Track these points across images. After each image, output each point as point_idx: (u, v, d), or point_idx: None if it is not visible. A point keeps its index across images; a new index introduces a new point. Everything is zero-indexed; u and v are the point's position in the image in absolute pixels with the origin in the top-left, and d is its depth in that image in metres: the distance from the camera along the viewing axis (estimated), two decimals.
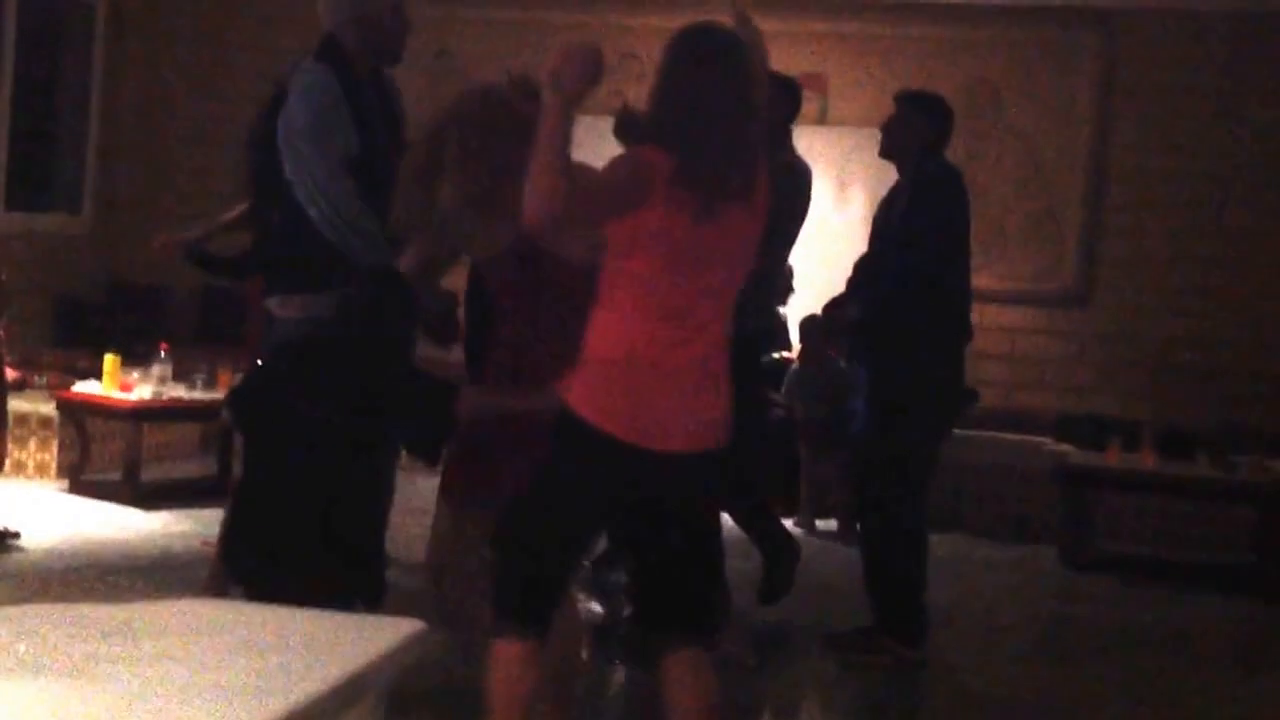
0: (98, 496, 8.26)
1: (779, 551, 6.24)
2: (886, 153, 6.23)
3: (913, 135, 6.10)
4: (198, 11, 11.39)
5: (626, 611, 5.91)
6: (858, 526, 6.75)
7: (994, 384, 9.73)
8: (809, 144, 6.75)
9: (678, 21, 11.29)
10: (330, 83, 5.01)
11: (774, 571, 6.24)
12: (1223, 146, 10.07)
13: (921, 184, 6.03)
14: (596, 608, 5.87)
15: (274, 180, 5.07)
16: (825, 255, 8.72)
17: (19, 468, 8.70)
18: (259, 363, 5.05)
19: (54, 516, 7.70)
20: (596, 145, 4.97)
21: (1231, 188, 10.07)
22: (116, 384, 8.35)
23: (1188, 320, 10.10)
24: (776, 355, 8.87)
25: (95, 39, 11.03)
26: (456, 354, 4.97)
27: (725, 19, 4.03)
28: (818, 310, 8.80)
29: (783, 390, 9.00)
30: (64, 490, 8.47)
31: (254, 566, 4.33)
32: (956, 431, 6.68)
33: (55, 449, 8.79)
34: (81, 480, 8.49)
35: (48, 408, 8.71)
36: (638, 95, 5.75)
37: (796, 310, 9.12)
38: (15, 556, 6.85)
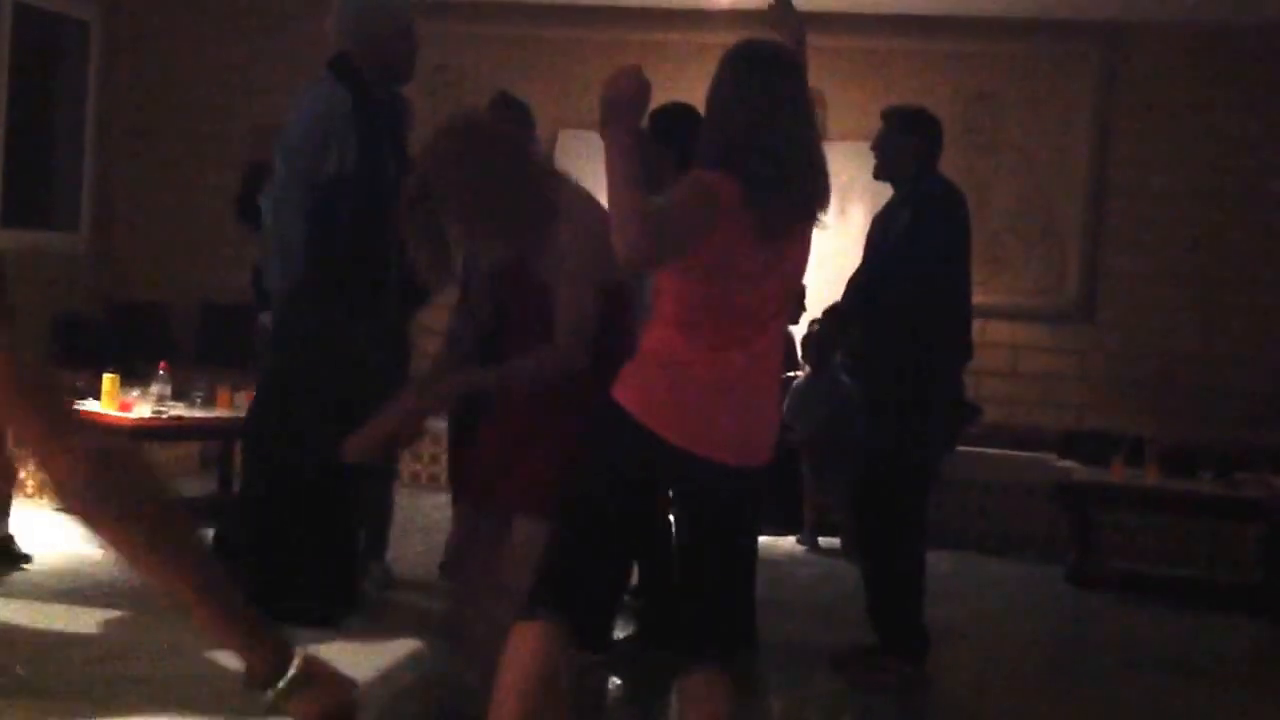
0: None
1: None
2: (880, 173, 6.21)
3: (903, 152, 6.10)
4: (190, 31, 11.40)
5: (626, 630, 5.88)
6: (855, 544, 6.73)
7: (997, 401, 9.71)
8: None
9: (674, 36, 11.34)
10: (334, 96, 5.03)
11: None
12: (1224, 160, 10.07)
13: (922, 202, 6.01)
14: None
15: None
16: (827, 272, 8.67)
17: (18, 487, 8.66)
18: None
19: (54, 536, 7.66)
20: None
21: (1232, 202, 10.08)
22: (115, 403, 8.30)
23: (1191, 336, 10.10)
24: (789, 374, 8.86)
25: (90, 58, 11.04)
26: None
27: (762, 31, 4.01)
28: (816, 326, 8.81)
29: (784, 407, 8.96)
30: (63, 509, 8.42)
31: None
32: (960, 448, 6.67)
33: None
34: None
35: None
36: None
37: (797, 328, 9.10)
38: (16, 576, 6.83)
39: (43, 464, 1.93)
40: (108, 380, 8.35)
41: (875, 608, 6.14)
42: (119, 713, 4.84)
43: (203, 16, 11.38)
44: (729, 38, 11.65)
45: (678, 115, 5.80)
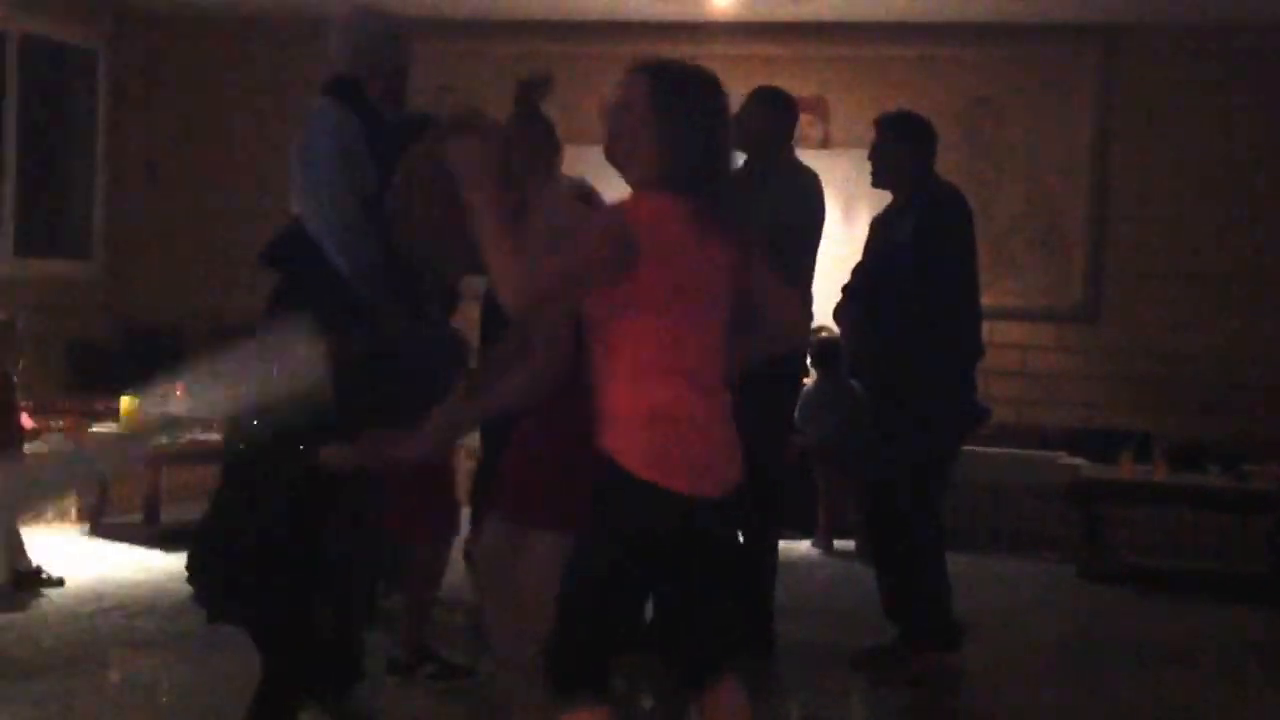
0: (119, 539, 8.32)
1: None
2: (878, 180, 6.23)
3: (898, 158, 6.12)
4: (197, 58, 11.46)
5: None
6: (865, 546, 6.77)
7: (1006, 400, 9.76)
8: (812, 168, 6.80)
9: (673, 49, 11.42)
10: (351, 119, 5.06)
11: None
12: (1224, 160, 10.13)
13: (926, 206, 6.03)
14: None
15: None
16: (833, 279, 8.75)
17: (39, 513, 8.76)
18: None
19: (77, 560, 7.74)
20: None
21: (1234, 201, 10.14)
22: (135, 425, 8.41)
23: (1195, 333, 10.14)
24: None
25: (98, 85, 11.10)
26: None
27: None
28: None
29: (797, 411, 9.03)
30: (85, 534, 8.53)
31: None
32: (970, 448, 6.70)
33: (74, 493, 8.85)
34: (102, 523, 8.56)
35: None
36: None
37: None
38: (41, 601, 6.90)
39: None
40: (125, 404, 8.45)
41: (893, 606, 6.20)
42: None
43: (209, 44, 11.43)
44: (727, 49, 11.76)
45: None
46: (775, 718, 5.83)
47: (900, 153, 6.12)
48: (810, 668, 6.38)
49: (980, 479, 8.95)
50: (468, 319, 6.56)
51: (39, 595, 6.98)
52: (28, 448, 7.43)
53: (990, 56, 10.39)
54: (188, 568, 4.74)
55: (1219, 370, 10.06)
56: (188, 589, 7.09)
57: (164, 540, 8.19)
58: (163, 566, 7.70)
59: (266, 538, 4.44)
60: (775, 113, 6.51)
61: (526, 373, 4.10)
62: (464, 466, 8.62)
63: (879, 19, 10.37)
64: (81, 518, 8.76)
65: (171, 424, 8.47)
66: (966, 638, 6.20)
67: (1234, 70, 10.13)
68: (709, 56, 10.61)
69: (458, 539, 6.11)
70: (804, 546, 9.07)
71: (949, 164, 6.27)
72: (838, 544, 9.08)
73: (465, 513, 6.24)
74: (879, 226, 6.30)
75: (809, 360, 9.29)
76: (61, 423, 9.01)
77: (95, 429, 8.66)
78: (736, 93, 11.67)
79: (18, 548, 7.13)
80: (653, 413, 3.49)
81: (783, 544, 7.03)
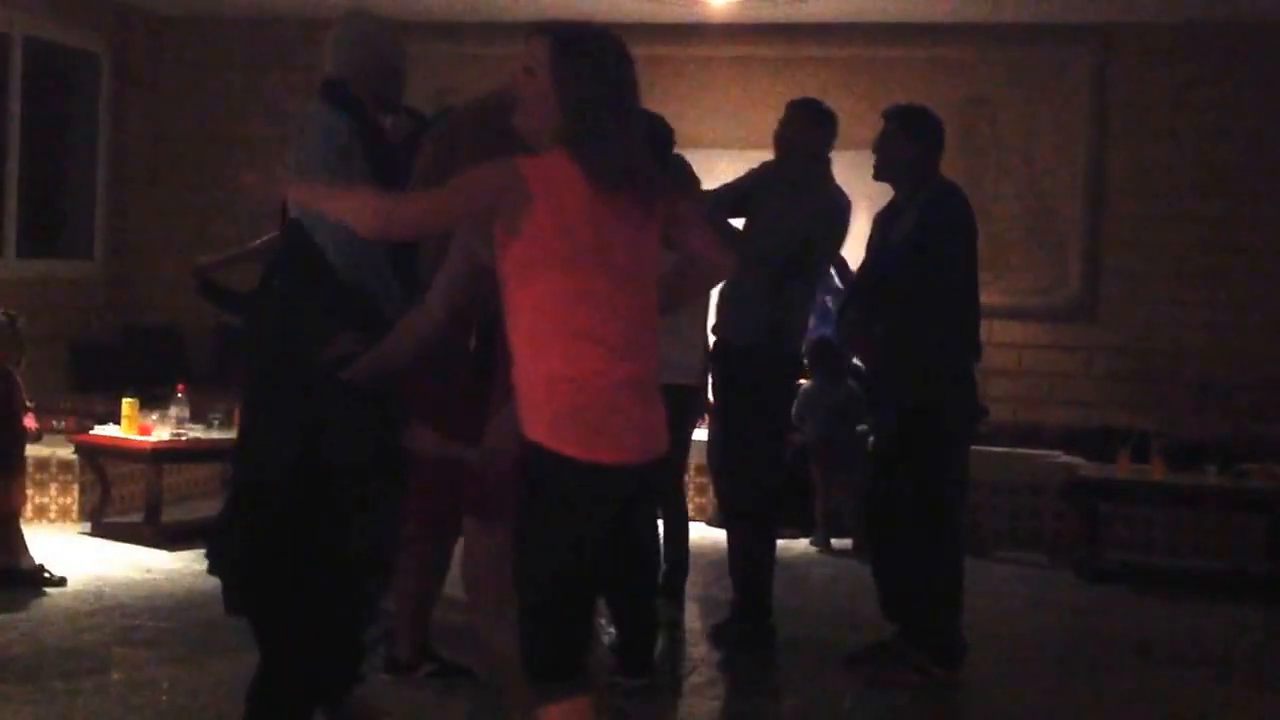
0: (120, 539, 8.35)
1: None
2: (880, 173, 6.22)
3: (902, 151, 6.09)
4: (198, 58, 11.52)
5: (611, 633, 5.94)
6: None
7: (1003, 399, 9.81)
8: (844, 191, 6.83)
9: (672, 50, 11.36)
10: (345, 125, 5.10)
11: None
12: (1220, 158, 10.17)
13: (928, 204, 6.03)
14: (613, 631, 5.92)
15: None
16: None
17: (41, 512, 8.79)
18: None
19: (78, 559, 7.77)
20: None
21: (1229, 200, 10.17)
22: (135, 427, 8.44)
23: (1192, 332, 10.19)
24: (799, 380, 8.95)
25: (100, 86, 11.15)
26: None
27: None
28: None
29: (794, 411, 9.07)
30: (86, 533, 8.55)
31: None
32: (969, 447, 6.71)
33: (76, 493, 8.89)
34: (103, 523, 8.58)
35: (67, 452, 8.80)
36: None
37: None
38: (43, 600, 6.93)
39: None
40: (127, 404, 8.48)
41: (904, 609, 6.21)
42: None
43: (210, 46, 11.48)
44: (725, 51, 11.77)
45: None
46: (773, 715, 5.88)
47: (901, 142, 6.10)
48: (808, 665, 6.43)
49: (977, 478, 8.95)
50: None
51: (40, 594, 7.00)
52: (31, 445, 7.48)
53: (986, 57, 10.44)
54: (208, 557, 4.79)
55: (1215, 369, 10.09)
56: (188, 588, 7.22)
57: (165, 540, 8.23)
58: (164, 566, 7.74)
59: (279, 534, 4.47)
60: (811, 123, 6.59)
61: (416, 316, 4.22)
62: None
63: (875, 20, 10.41)
64: (83, 517, 8.79)
65: None
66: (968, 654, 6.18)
67: (1228, 69, 10.17)
68: (706, 58, 10.70)
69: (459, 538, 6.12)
70: (802, 545, 9.10)
71: (945, 164, 6.26)
72: (835, 543, 9.10)
73: None
74: (880, 223, 6.29)
75: (805, 360, 9.33)
76: (63, 423, 9.06)
77: (97, 430, 8.70)
78: (732, 93, 11.78)
79: (19, 547, 7.17)
80: (551, 375, 3.45)
81: (780, 542, 7.08)
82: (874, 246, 6.28)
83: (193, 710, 5.31)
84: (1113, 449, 8.94)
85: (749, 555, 6.59)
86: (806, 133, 6.60)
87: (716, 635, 6.67)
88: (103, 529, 8.53)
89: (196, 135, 11.46)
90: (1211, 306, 10.18)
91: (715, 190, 6.73)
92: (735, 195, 6.69)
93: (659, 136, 5.94)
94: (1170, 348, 10.21)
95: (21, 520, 7.33)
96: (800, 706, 6.01)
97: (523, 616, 3.54)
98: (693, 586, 7.52)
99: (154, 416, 8.55)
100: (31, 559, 7.19)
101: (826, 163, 6.62)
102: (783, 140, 6.69)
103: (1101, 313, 10.38)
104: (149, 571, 7.64)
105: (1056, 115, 10.40)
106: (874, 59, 10.49)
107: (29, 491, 7.91)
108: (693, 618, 7.16)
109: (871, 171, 6.30)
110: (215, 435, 8.59)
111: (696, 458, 9.27)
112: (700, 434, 7.90)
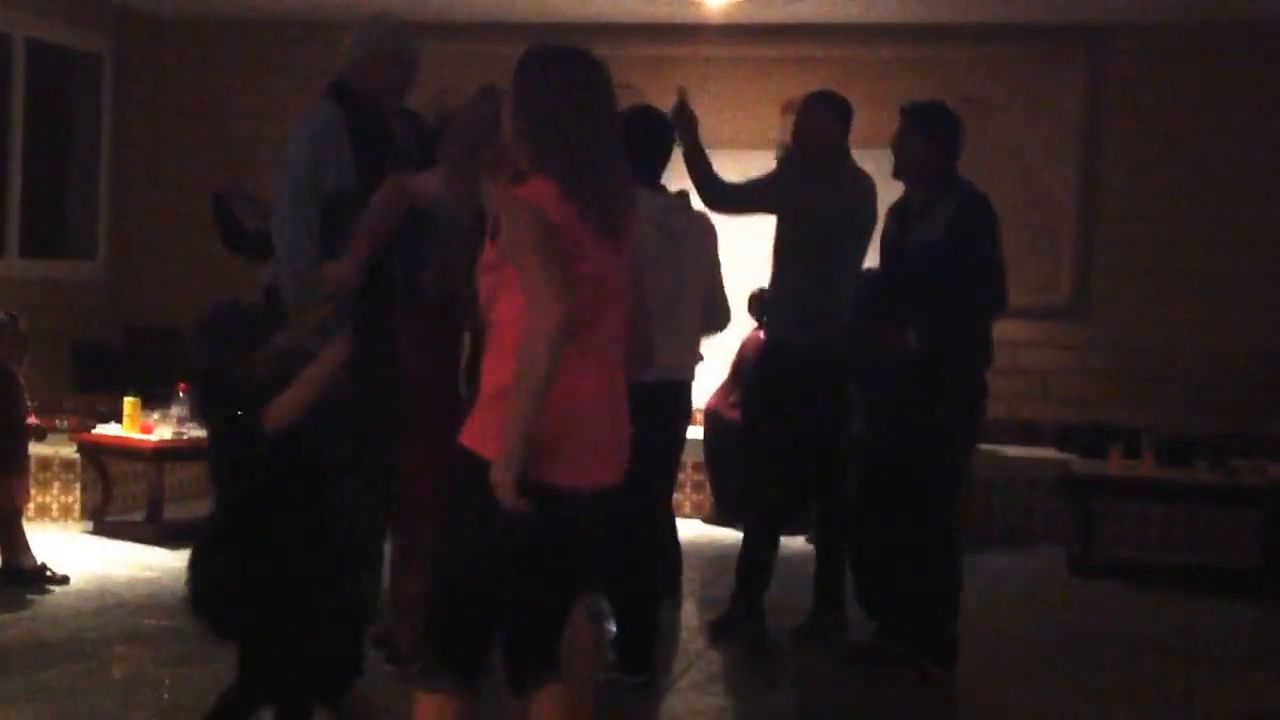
0: (122, 537, 8.40)
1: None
2: (900, 172, 6.19)
3: (923, 149, 6.07)
4: (199, 58, 11.56)
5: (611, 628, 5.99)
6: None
7: (997, 396, 9.73)
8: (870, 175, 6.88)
9: (670, 50, 11.39)
10: (327, 118, 5.25)
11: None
12: (1212, 158, 10.22)
13: (961, 209, 5.99)
14: (611, 627, 5.97)
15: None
16: None
17: (43, 511, 8.85)
18: None
19: (80, 558, 7.82)
20: None
21: (1220, 199, 10.22)
22: (137, 426, 8.49)
23: (1183, 329, 10.24)
24: None
25: (103, 88, 11.21)
26: None
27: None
28: None
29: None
30: (88, 532, 8.60)
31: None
32: None
33: (78, 492, 8.94)
34: (105, 522, 8.63)
35: (69, 451, 8.86)
36: None
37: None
38: (46, 598, 6.98)
39: None
40: (129, 404, 8.53)
41: (868, 599, 6.28)
42: None
43: (211, 47, 11.52)
44: (721, 51, 11.78)
45: (637, 117, 5.88)
46: (770, 713, 5.93)
47: (925, 144, 6.06)
48: (805, 663, 6.47)
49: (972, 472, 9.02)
50: None
51: (43, 593, 7.06)
52: (33, 445, 7.53)
53: (979, 57, 10.49)
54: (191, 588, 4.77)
55: (1207, 366, 10.15)
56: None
57: (167, 538, 8.27)
58: (165, 564, 7.76)
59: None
60: (829, 116, 6.62)
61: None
62: None
63: (870, 20, 10.46)
64: (85, 516, 8.85)
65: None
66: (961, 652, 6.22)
67: (1220, 69, 10.22)
68: (702, 58, 10.74)
69: None
70: (798, 542, 9.13)
71: None
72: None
73: None
74: (896, 221, 6.25)
75: None
76: (65, 422, 9.11)
77: (99, 429, 8.76)
78: (728, 93, 11.79)
79: (22, 546, 7.22)
80: (498, 389, 3.44)
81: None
82: (891, 244, 6.25)
83: (194, 708, 5.36)
84: (1105, 445, 8.99)
85: (757, 554, 6.68)
86: (825, 126, 6.63)
87: (714, 631, 6.74)
88: (105, 528, 8.59)
89: (198, 136, 11.50)
90: (1202, 305, 10.23)
91: (740, 188, 6.77)
92: (760, 195, 6.75)
93: (655, 133, 5.97)
94: (1162, 345, 10.26)
95: (24, 519, 7.39)
96: (797, 704, 6.07)
97: (433, 599, 3.59)
98: (690, 584, 7.58)
99: (155, 416, 8.59)
100: (34, 558, 7.24)
101: (846, 150, 6.65)
102: (801, 134, 6.71)
103: (1094, 311, 10.43)
104: (150, 570, 7.69)
105: (1049, 115, 10.45)
106: (869, 59, 10.53)
107: (31, 490, 7.95)
108: (690, 615, 7.21)
109: (872, 168, 6.34)
110: None
111: (694, 455, 9.37)
112: (696, 432, 7.93)
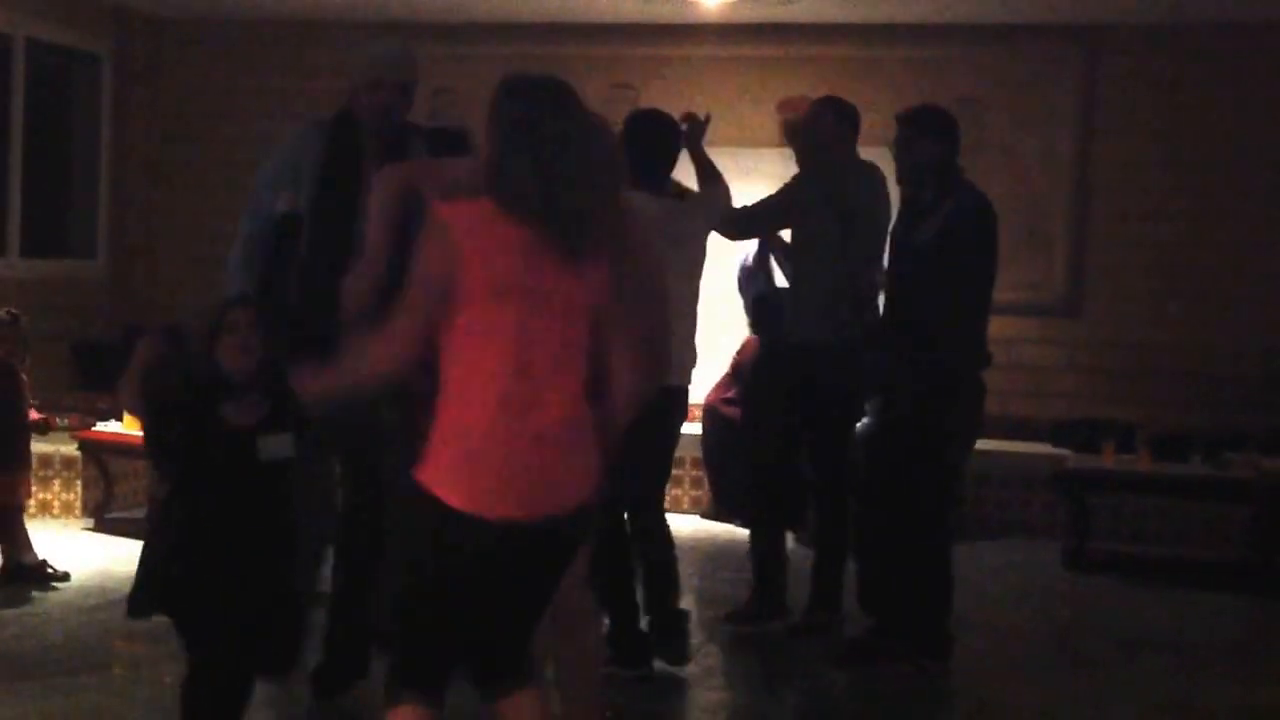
0: (123, 534, 8.40)
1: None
2: (903, 177, 6.20)
3: (926, 154, 6.07)
4: (199, 61, 11.58)
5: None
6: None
7: (991, 393, 9.76)
8: (795, 169, 6.95)
9: (667, 51, 11.44)
10: (298, 141, 5.31)
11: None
12: (1203, 157, 10.25)
13: (956, 211, 6.02)
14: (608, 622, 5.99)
15: None
16: None
17: (45, 508, 8.88)
18: None
19: (81, 555, 7.85)
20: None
21: (1213, 197, 10.26)
22: (137, 424, 8.52)
23: (1176, 326, 10.27)
24: None
25: (102, 87, 11.23)
26: None
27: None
28: None
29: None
30: (89, 529, 8.64)
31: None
32: None
33: (79, 489, 8.99)
34: (106, 518, 8.67)
35: (70, 448, 8.90)
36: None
37: None
38: (48, 595, 7.02)
39: None
40: None
41: (870, 598, 6.32)
42: None
43: (210, 47, 11.54)
44: (717, 51, 11.79)
45: (643, 120, 5.96)
46: (768, 707, 5.96)
47: (927, 149, 6.07)
48: (803, 658, 6.48)
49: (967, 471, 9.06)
50: None
51: (44, 589, 7.10)
52: (35, 442, 7.57)
53: (974, 57, 10.51)
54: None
55: (1199, 362, 10.18)
56: None
57: None
58: None
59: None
60: (835, 121, 6.66)
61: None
62: None
63: (865, 20, 10.47)
64: (85, 513, 8.88)
65: None
66: (954, 643, 6.25)
67: (1214, 69, 10.25)
68: (698, 58, 10.77)
69: None
70: (791, 540, 9.16)
71: None
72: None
73: None
74: (903, 224, 6.27)
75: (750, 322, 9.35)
76: (66, 420, 9.15)
77: (99, 427, 8.81)
78: (726, 92, 11.83)
79: (23, 542, 7.26)
80: (452, 430, 3.44)
81: None
82: (896, 246, 6.29)
83: None
84: (1099, 441, 9.03)
85: (772, 551, 6.73)
86: (830, 131, 6.67)
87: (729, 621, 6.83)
88: (105, 524, 8.63)
89: (198, 135, 11.51)
90: (1194, 301, 10.27)
91: (753, 210, 6.80)
92: (775, 214, 6.82)
93: (651, 134, 6.00)
94: (1155, 341, 10.29)
95: (25, 516, 7.43)
96: (795, 699, 6.09)
97: (397, 621, 3.62)
98: (689, 579, 7.60)
99: None
100: (35, 554, 7.28)
101: (851, 147, 6.69)
102: (806, 139, 6.75)
103: (1087, 307, 10.47)
104: None
105: (1043, 115, 10.47)
106: (863, 59, 10.54)
107: (32, 487, 8.00)
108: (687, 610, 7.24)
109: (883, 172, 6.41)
110: None
111: (693, 451, 9.41)
112: (695, 429, 7.95)
